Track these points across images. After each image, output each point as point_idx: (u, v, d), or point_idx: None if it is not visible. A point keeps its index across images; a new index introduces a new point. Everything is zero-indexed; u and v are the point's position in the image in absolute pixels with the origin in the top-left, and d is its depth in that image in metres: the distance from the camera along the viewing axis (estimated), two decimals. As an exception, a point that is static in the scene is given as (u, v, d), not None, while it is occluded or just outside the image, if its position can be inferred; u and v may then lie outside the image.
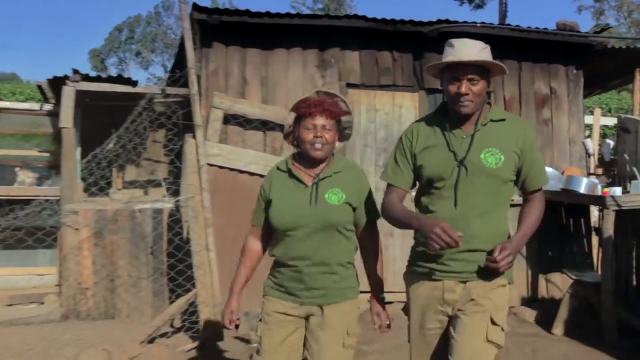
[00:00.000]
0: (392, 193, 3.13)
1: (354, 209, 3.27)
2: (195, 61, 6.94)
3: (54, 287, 9.06)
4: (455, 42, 2.95)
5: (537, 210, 3.06)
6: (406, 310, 3.25)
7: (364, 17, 7.71)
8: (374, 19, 7.73)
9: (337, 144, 3.38)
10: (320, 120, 3.19)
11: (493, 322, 2.90)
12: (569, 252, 8.29)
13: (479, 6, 32.26)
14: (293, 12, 10.33)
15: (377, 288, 3.36)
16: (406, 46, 8.04)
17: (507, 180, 2.98)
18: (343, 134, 3.44)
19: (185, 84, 7.23)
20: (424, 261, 3.03)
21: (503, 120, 3.02)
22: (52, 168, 9.54)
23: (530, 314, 7.57)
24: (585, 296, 7.07)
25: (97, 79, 7.73)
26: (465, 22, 7.86)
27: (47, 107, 8.78)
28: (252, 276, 3.50)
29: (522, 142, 2.96)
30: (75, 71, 7.57)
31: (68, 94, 7.32)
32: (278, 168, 3.39)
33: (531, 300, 8.05)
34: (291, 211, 3.21)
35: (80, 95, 7.54)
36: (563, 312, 7.00)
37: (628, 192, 7.34)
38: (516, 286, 8.08)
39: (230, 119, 7.47)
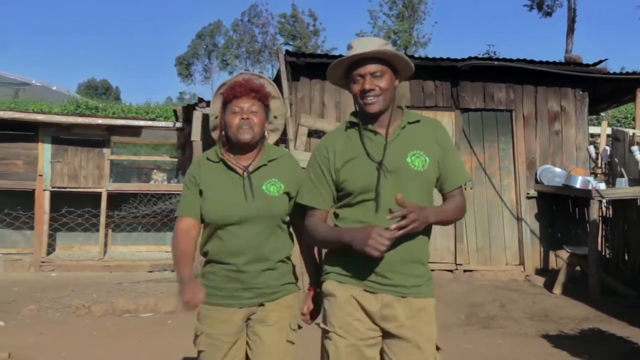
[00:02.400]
0: (312, 216, 2.74)
1: (290, 199, 2.91)
2: (288, 92, 9.29)
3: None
4: (354, 42, 2.71)
5: (458, 202, 2.76)
6: (323, 329, 2.76)
7: (411, 56, 9.90)
8: (420, 57, 9.93)
9: (270, 135, 3.06)
10: (246, 102, 2.84)
11: (437, 348, 2.68)
12: (574, 234, 10.23)
13: (548, 13, 32.01)
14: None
15: (314, 282, 2.95)
16: (445, 76, 10.15)
17: (433, 183, 2.72)
18: (274, 123, 3.05)
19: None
20: (357, 270, 2.65)
21: (418, 121, 2.75)
22: (178, 170, 12.12)
23: (540, 280, 9.57)
24: (578, 265, 9.06)
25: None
26: (490, 58, 9.95)
27: (178, 124, 11.34)
28: None
29: (439, 140, 2.72)
30: (201, 99, 10.03)
31: (197, 116, 9.77)
32: (207, 158, 2.94)
33: (543, 270, 10.01)
34: (228, 203, 2.81)
35: (205, 116, 9.99)
36: (561, 277, 8.98)
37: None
38: (532, 260, 10.10)
39: (312, 133, 9.76)
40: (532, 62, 10.03)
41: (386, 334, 2.65)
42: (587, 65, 10.18)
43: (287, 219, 2.96)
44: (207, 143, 10.51)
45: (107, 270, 11.00)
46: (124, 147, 12.29)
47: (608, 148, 10.14)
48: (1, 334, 6.72)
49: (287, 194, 2.89)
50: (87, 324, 7.35)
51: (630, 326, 7.13)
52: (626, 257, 9.67)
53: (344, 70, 2.75)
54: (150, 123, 11.71)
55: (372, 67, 2.63)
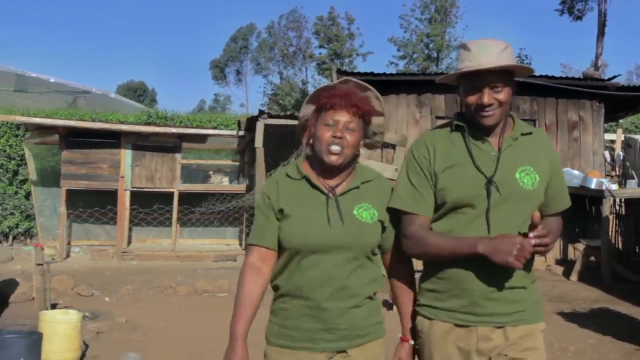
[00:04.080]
0: (415, 223, 2.38)
1: (384, 229, 2.47)
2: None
3: (239, 250, 13.06)
4: (472, 44, 2.35)
5: (560, 224, 2.50)
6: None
7: (444, 73, 11.09)
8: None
9: (362, 151, 2.53)
10: (343, 117, 2.37)
11: None
12: (590, 229, 11.35)
13: (579, 17, 32.12)
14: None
15: (409, 330, 2.50)
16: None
17: (539, 203, 2.37)
18: (372, 139, 2.58)
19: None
20: (448, 301, 2.37)
21: (530, 134, 2.44)
22: (239, 172, 13.52)
23: (559, 269, 10.70)
24: (593, 255, 10.20)
25: (277, 116, 11.56)
26: (516, 74, 11.07)
27: (240, 133, 12.75)
28: None
29: (551, 157, 2.42)
30: (262, 112, 11.38)
31: (259, 126, 11.12)
32: (287, 175, 2.48)
33: (562, 261, 11.14)
34: (313, 227, 2.37)
35: (267, 126, 11.35)
36: (578, 266, 10.11)
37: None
38: (552, 251, 11.21)
39: (359, 140, 11.02)
40: (553, 78, 11.18)
41: None
42: (603, 80, 11.29)
43: (378, 250, 2.51)
44: (267, 150, 11.91)
45: (178, 260, 12.44)
46: (189, 152, 13.71)
47: (621, 153, 11.24)
48: (111, 307, 8.13)
49: (381, 222, 2.44)
50: (174, 301, 8.73)
51: (635, 307, 8.21)
52: (637, 249, 10.76)
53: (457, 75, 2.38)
54: (216, 131, 13.17)
55: (492, 80, 2.27)
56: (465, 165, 2.34)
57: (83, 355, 5.88)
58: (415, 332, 2.48)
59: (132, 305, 8.36)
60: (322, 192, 2.41)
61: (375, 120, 2.51)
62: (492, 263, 2.20)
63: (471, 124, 2.38)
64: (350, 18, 40.61)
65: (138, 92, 54.15)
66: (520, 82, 10.59)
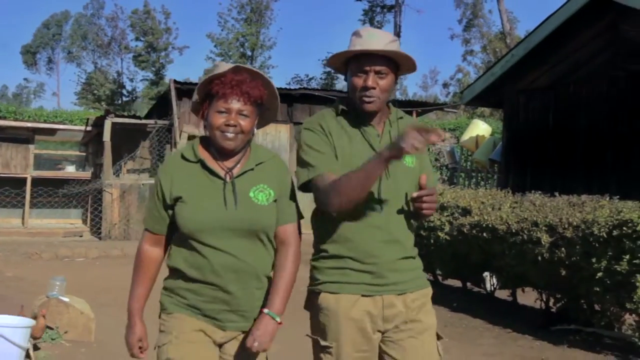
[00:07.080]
0: (324, 180, 2.38)
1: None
2: (176, 109, 13.01)
3: (83, 228, 15.02)
4: (364, 31, 2.43)
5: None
6: (318, 344, 2.48)
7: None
8: (266, 87, 13.89)
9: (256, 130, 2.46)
10: (235, 104, 2.33)
11: (438, 337, 2.54)
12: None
13: (379, 28, 34.61)
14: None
15: (275, 306, 2.35)
16: (284, 99, 14.16)
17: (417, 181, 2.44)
18: (264, 116, 2.52)
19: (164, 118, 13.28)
20: (353, 275, 2.42)
21: (402, 118, 2.57)
22: (85, 161, 15.44)
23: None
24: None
25: (123, 116, 13.72)
26: (321, 88, 14.16)
27: (88, 128, 14.70)
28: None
29: None
30: (108, 111, 13.47)
31: (107, 123, 13.20)
32: (183, 156, 2.43)
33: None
34: (211, 212, 2.34)
35: (114, 124, 13.46)
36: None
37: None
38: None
39: (191, 137, 13.47)
40: (341, 92, 14.40)
41: (388, 334, 2.47)
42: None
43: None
44: (114, 144, 14.06)
45: (30, 236, 14.13)
46: (37, 143, 15.36)
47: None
48: (-9, 267, 10.00)
49: (276, 202, 2.43)
50: (41, 264, 10.68)
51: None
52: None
53: (346, 58, 2.48)
54: (66, 126, 15.04)
55: (378, 66, 2.39)
56: (356, 142, 2.45)
57: (-10, 296, 7.87)
58: (314, 309, 2.50)
59: (8, 267, 10.19)
60: (217, 175, 2.38)
61: (268, 101, 2.49)
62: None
63: (354, 110, 2.47)
64: (167, 12, 40.17)
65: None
66: (324, 98, 14.27)
